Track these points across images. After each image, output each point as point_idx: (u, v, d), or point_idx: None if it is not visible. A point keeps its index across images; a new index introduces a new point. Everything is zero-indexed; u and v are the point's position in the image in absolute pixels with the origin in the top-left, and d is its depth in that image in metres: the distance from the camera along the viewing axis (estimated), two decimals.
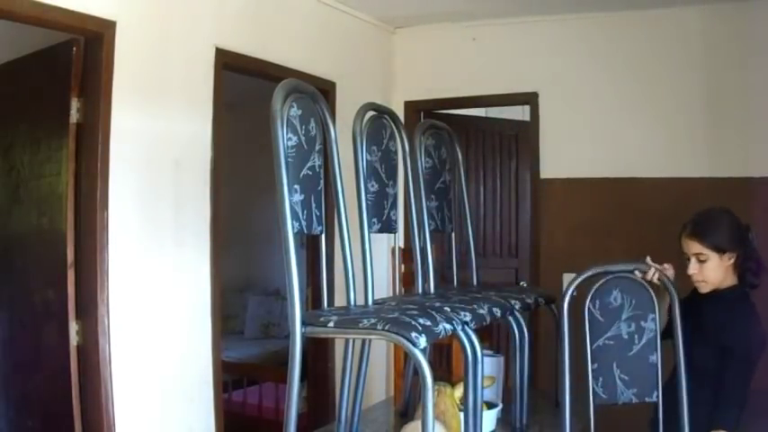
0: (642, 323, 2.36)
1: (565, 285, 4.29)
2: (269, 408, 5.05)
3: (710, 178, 3.99)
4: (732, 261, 2.40)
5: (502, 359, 2.77)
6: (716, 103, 4.03)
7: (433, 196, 2.63)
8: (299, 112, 1.92)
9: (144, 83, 3.00)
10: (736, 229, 2.42)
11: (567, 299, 2.37)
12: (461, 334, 1.91)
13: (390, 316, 1.76)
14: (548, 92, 4.43)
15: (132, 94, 2.92)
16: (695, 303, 2.48)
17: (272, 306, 6.87)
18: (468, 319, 1.96)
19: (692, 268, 2.42)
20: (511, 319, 2.33)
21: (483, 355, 1.96)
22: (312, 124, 1.98)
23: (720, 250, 2.38)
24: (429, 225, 2.52)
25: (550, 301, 2.71)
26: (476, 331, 1.96)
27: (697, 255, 2.40)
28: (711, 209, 2.51)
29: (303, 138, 1.92)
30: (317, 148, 2.00)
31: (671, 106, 4.13)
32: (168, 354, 3.10)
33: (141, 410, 2.97)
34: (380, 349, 4.31)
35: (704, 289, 2.45)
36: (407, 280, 2.81)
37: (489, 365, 2.59)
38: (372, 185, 2.25)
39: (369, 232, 2.18)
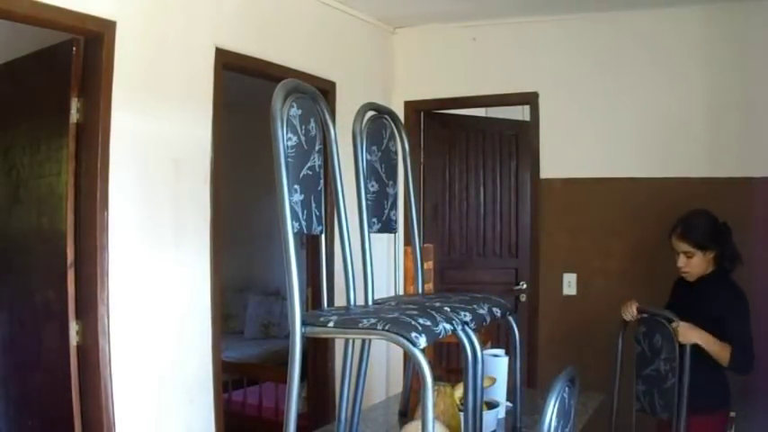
0: None
1: (565, 285, 4.33)
2: (269, 408, 5.06)
3: (710, 178, 3.99)
4: (713, 255, 3.04)
5: (507, 359, 2.76)
6: (716, 103, 4.03)
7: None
8: (299, 112, 1.91)
9: (144, 83, 3.00)
10: (715, 230, 3.04)
11: None
12: (461, 334, 1.91)
13: (390, 316, 1.76)
14: (548, 92, 4.43)
15: (132, 93, 2.92)
16: (686, 287, 3.15)
17: (272, 306, 6.88)
18: (468, 319, 1.95)
19: (681, 262, 3.07)
20: (511, 318, 2.32)
21: (483, 355, 1.95)
22: (312, 124, 1.98)
23: (704, 248, 3.02)
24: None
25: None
26: (476, 331, 1.95)
27: (685, 252, 3.04)
28: (695, 212, 3.11)
29: (303, 138, 1.92)
30: (317, 148, 1.99)
31: (671, 106, 4.13)
32: (168, 354, 3.10)
33: (141, 410, 2.97)
34: (380, 349, 4.31)
35: (689, 278, 3.10)
36: (408, 280, 2.81)
37: (499, 365, 2.59)
38: (372, 185, 2.25)
39: (369, 232, 2.17)
